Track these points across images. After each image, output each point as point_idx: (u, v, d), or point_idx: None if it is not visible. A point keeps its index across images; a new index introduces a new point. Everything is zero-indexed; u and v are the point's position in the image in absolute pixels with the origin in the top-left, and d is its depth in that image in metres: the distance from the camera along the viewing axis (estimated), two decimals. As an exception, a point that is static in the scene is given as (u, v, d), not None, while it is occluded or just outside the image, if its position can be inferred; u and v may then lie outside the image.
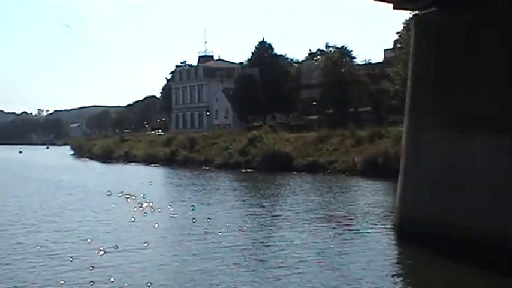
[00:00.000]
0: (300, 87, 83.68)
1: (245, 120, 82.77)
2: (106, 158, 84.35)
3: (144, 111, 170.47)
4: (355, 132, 56.00)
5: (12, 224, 22.98)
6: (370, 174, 45.25)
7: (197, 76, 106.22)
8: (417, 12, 19.48)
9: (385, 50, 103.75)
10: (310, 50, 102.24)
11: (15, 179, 48.13)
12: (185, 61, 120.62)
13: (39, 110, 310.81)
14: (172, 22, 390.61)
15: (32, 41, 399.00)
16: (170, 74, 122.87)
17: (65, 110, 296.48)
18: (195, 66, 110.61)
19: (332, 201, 30.96)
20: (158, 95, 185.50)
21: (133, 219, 23.77)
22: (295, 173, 51.86)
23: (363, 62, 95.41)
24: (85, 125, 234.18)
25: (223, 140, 66.57)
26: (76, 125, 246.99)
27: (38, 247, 18.10)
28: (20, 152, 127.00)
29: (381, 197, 32.45)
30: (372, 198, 31.81)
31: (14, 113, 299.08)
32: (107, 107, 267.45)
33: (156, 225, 22.47)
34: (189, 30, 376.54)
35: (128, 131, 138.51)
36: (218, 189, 39.68)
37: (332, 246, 18.55)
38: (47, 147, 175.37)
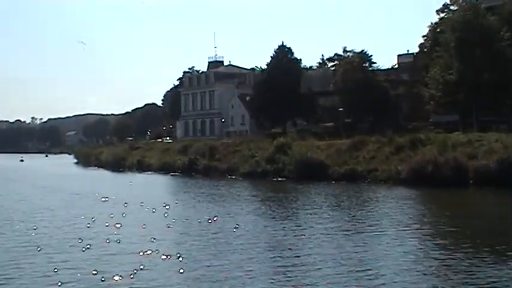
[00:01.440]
0: (319, 93, 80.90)
1: (263, 126, 79.75)
2: (117, 166, 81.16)
3: (144, 119, 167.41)
4: (393, 139, 53.28)
5: (93, 248, 19.51)
6: (417, 183, 42.68)
7: (208, 82, 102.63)
8: None
9: (398, 56, 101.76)
10: (322, 55, 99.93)
11: (40, 191, 45.00)
12: (193, 67, 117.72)
13: (32, 118, 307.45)
14: (169, 30, 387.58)
15: (25, 48, 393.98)
16: (178, 80, 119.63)
17: (59, 118, 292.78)
18: (205, 72, 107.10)
19: (416, 213, 28.12)
20: (158, 103, 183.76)
21: (209, 240, 21.09)
22: (333, 182, 49.02)
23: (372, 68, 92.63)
24: (82, 133, 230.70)
25: (248, 148, 63.45)
26: (72, 133, 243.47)
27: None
28: (22, 160, 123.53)
29: (465, 209, 29.76)
30: (461, 211, 29.09)
31: (7, 121, 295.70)
32: (102, 115, 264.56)
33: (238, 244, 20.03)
34: (188, 37, 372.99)
35: (131, 138, 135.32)
36: (263, 200, 36.85)
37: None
38: (46, 156, 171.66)
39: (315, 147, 57.54)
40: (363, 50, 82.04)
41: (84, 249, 18.99)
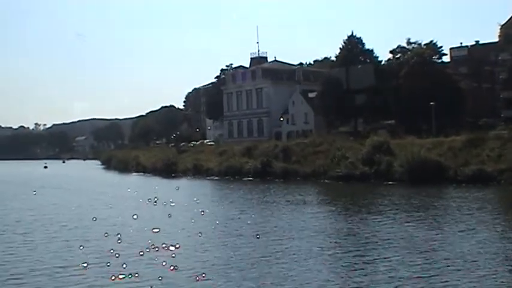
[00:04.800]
0: (390, 88, 74.49)
1: (333, 125, 73.13)
2: (168, 172, 74.68)
3: (162, 122, 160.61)
4: (518, 134, 47.39)
5: None
6: None
7: (255, 79, 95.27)
8: None
9: (451, 49, 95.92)
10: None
11: (145, 204, 38.47)
12: (231, 64, 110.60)
13: (36, 124, 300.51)
14: (175, 32, 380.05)
15: (27, 52, 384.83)
16: (215, 78, 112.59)
17: (63, 124, 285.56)
18: (251, 69, 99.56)
19: None
20: (174, 105, 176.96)
21: None
22: (463, 185, 42.98)
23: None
24: (93, 138, 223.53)
25: (338, 148, 56.98)
26: (83, 138, 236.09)
27: None
28: (45, 167, 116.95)
29: None
30: None
31: (11, 127, 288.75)
32: (107, 119, 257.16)
33: None
34: (196, 41, 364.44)
35: (159, 142, 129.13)
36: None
37: None
38: (63, 162, 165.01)
39: (420, 146, 51.38)
40: (431, 41, 75.59)
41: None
